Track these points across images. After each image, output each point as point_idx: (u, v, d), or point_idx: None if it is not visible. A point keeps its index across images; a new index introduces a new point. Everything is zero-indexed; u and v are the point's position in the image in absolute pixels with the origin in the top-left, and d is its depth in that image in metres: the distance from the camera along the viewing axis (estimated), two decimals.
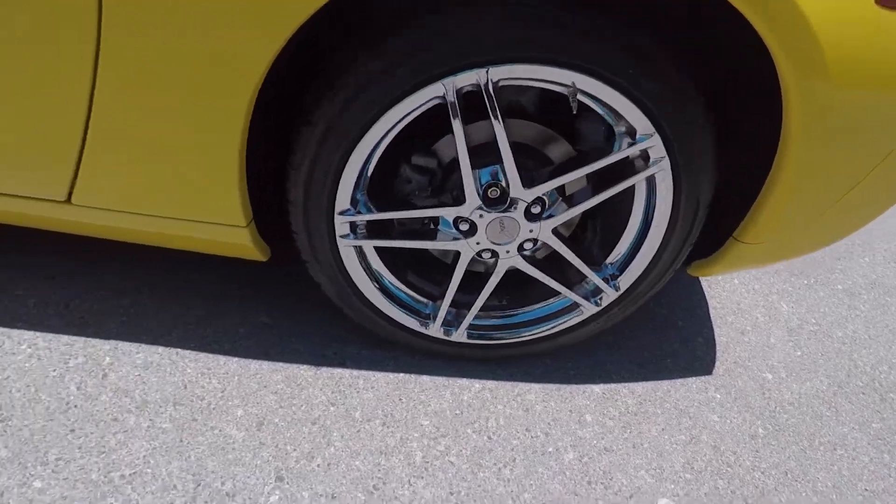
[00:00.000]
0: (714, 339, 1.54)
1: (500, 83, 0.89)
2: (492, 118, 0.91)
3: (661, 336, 1.51)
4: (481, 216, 1.05)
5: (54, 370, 1.13)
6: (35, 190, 1.03)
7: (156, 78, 0.83)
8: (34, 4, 0.79)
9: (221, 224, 1.06)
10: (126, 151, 0.94)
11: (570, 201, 1.07)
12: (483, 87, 0.88)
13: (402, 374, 1.28)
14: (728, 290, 1.72)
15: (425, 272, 1.25)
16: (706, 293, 1.69)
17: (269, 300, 1.38)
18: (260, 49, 0.80)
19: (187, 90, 0.84)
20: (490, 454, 1.16)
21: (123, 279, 1.35)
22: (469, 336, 1.26)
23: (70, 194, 1.03)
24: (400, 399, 1.23)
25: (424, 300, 1.23)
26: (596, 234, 1.21)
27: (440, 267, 1.26)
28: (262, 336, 1.29)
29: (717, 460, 1.23)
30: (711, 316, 1.61)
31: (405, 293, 1.21)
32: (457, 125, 0.91)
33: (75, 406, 1.08)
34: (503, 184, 1.02)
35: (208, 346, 1.24)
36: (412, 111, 0.90)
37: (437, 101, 0.90)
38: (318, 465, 1.08)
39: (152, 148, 0.92)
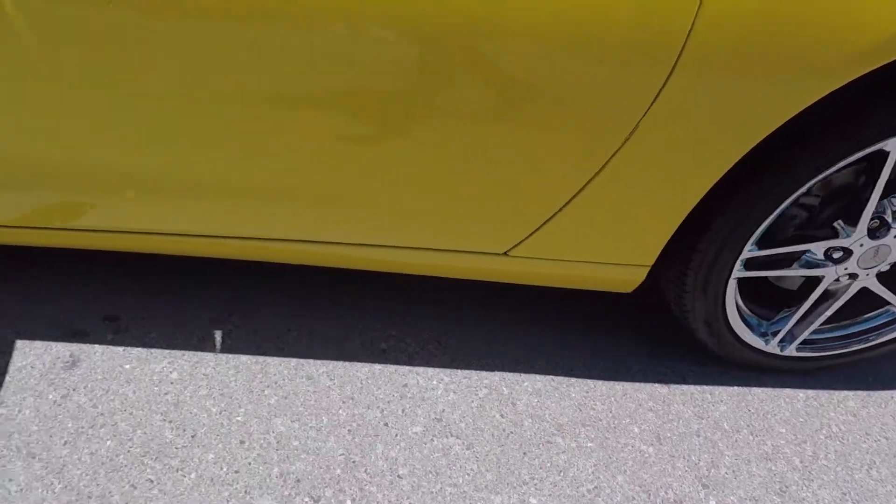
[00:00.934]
0: None
1: None
2: None
3: None
4: (861, 245, 1.20)
5: (472, 402, 1.28)
6: (478, 246, 1.19)
7: (673, 145, 0.99)
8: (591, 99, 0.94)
9: (631, 265, 1.21)
10: (596, 212, 1.09)
11: None
12: None
13: (737, 388, 1.43)
14: None
15: (751, 295, 1.40)
16: None
17: (579, 328, 1.53)
18: (768, 120, 0.95)
19: (693, 153, 0.99)
20: (851, 457, 1.30)
21: (474, 312, 1.51)
22: (798, 350, 1.41)
23: (510, 249, 1.18)
24: (748, 409, 1.38)
25: (759, 320, 1.38)
26: None
27: (764, 290, 1.41)
28: (598, 362, 1.44)
29: None
30: None
31: (750, 315, 1.36)
32: (886, 171, 1.07)
33: (511, 432, 1.23)
34: (887, 215, 1.17)
35: (570, 372, 1.39)
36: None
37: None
38: (726, 473, 1.22)
39: (623, 206, 1.08)
